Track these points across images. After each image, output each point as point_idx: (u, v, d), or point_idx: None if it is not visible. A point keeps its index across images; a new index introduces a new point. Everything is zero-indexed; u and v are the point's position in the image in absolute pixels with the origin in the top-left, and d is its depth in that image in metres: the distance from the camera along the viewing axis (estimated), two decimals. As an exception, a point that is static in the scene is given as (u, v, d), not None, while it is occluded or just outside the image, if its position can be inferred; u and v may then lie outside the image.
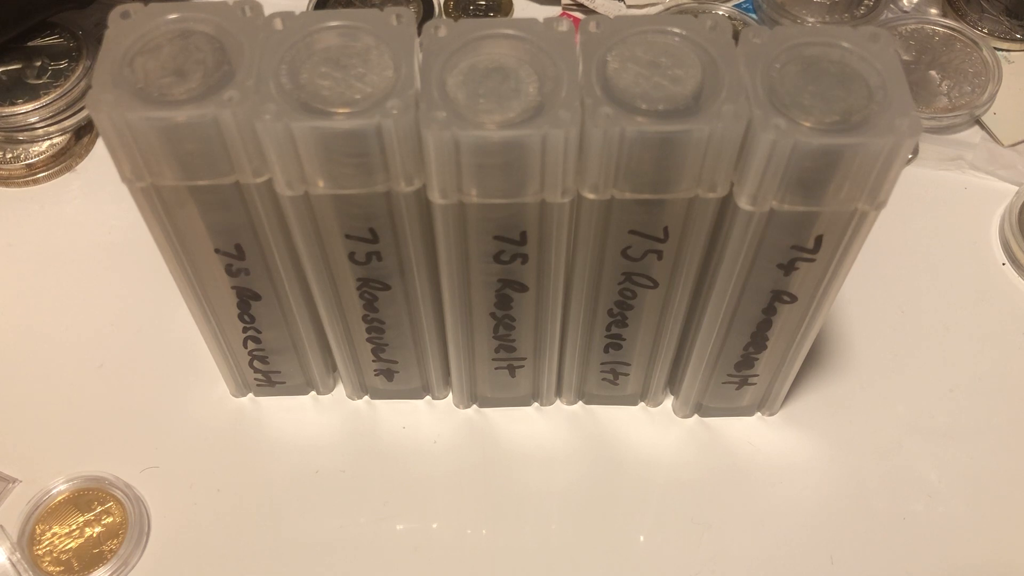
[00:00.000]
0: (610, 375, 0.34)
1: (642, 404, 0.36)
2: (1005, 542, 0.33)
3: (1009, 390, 0.37)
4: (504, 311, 0.30)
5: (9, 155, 0.42)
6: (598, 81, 0.25)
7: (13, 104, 0.41)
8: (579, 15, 0.47)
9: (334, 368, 0.35)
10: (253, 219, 0.27)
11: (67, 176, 0.42)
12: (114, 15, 0.26)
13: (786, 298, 0.29)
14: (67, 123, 0.42)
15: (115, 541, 0.33)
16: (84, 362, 0.37)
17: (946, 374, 0.37)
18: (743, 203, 0.26)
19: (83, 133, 0.43)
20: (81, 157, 0.43)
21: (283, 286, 0.30)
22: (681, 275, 0.29)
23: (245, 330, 0.32)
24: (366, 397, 0.36)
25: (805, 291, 0.29)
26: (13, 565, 0.32)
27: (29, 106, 0.41)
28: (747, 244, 0.27)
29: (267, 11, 0.26)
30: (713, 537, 0.33)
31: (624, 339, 0.32)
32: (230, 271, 0.30)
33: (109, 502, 0.33)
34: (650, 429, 0.36)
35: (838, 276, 0.28)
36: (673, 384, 0.36)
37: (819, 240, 0.27)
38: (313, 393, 0.36)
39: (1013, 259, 0.40)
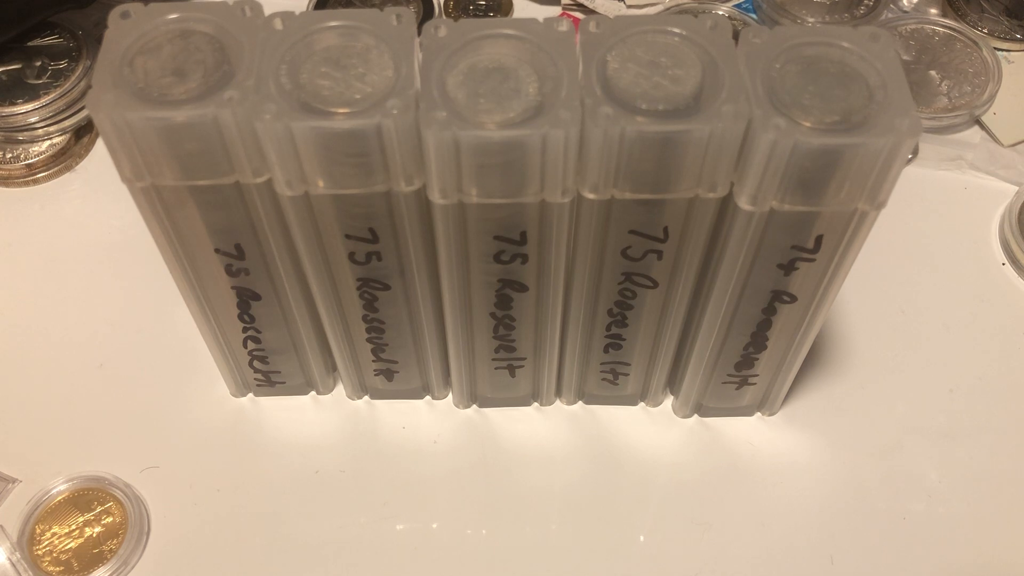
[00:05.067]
0: (610, 375, 0.34)
1: (642, 404, 0.36)
2: (1005, 542, 0.33)
3: (1009, 390, 0.37)
4: (504, 311, 0.30)
5: (9, 155, 0.42)
6: (598, 81, 0.25)
7: (13, 104, 0.41)
8: (579, 15, 0.47)
9: (334, 368, 0.35)
10: (253, 219, 0.27)
11: (67, 176, 0.42)
12: (114, 15, 0.26)
13: (786, 298, 0.29)
14: (67, 123, 0.42)
15: (115, 541, 0.33)
16: (84, 362, 0.37)
17: (946, 374, 0.37)
18: (743, 203, 0.26)
19: (83, 133, 0.43)
20: (81, 157, 0.43)
21: (283, 286, 0.30)
22: (681, 275, 0.29)
23: (245, 330, 0.32)
24: (366, 397, 0.36)
25: (805, 291, 0.29)
26: (13, 565, 0.32)
27: (29, 106, 0.41)
28: (747, 244, 0.27)
29: (267, 11, 0.26)
30: (713, 537, 0.33)
31: (624, 339, 0.32)
32: (230, 271, 0.30)
33: (109, 502, 0.33)
34: (650, 429, 0.36)
35: (838, 276, 0.28)
36: (673, 384, 0.36)
37: (819, 240, 0.27)
38: (313, 393, 0.36)
39: (1013, 259, 0.40)
